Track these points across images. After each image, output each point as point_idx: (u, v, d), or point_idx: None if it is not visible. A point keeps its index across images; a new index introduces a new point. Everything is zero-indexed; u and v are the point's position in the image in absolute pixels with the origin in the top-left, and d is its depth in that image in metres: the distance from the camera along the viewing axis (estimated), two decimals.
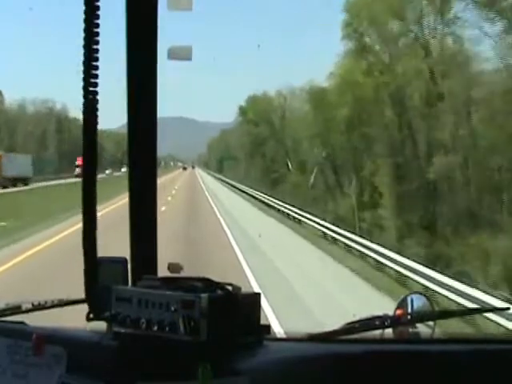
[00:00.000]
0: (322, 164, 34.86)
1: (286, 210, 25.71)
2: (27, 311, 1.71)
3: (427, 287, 9.68)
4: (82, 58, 1.38)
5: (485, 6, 19.23)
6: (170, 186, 42.71)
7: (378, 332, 1.60)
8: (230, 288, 1.38)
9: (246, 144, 53.54)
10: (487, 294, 8.47)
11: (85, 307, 1.50)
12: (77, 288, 1.59)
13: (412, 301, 1.72)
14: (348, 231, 16.65)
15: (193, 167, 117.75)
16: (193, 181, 65.67)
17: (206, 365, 1.31)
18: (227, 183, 56.30)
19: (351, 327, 1.60)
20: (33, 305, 1.72)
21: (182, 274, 1.48)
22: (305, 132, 36.67)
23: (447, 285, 9.37)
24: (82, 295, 1.50)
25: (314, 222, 20.26)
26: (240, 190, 44.90)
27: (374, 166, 26.47)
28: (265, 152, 46.62)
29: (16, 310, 1.70)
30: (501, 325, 7.38)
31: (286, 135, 43.51)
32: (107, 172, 63.05)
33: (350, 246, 15.48)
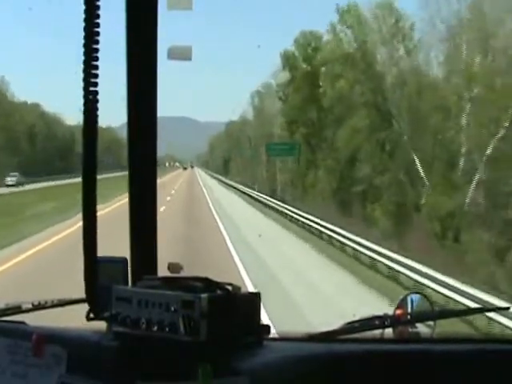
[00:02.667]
0: None
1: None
2: (27, 311, 1.71)
3: None
4: (82, 58, 1.38)
5: None
6: None
7: (378, 332, 1.61)
8: (229, 288, 1.38)
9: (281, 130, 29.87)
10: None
11: (85, 307, 1.49)
12: None
13: (412, 300, 1.72)
14: None
15: (192, 167, 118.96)
16: (192, 195, 40.49)
17: (205, 365, 1.31)
18: (247, 195, 35.15)
19: (351, 327, 1.61)
20: (33, 305, 1.72)
21: (182, 274, 1.48)
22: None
23: None
24: (82, 295, 1.50)
25: None
26: (287, 215, 22.60)
27: None
28: (333, 141, 23.65)
29: (16, 309, 1.70)
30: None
31: (405, 104, 20.34)
32: (9, 180, 42.12)
33: None
